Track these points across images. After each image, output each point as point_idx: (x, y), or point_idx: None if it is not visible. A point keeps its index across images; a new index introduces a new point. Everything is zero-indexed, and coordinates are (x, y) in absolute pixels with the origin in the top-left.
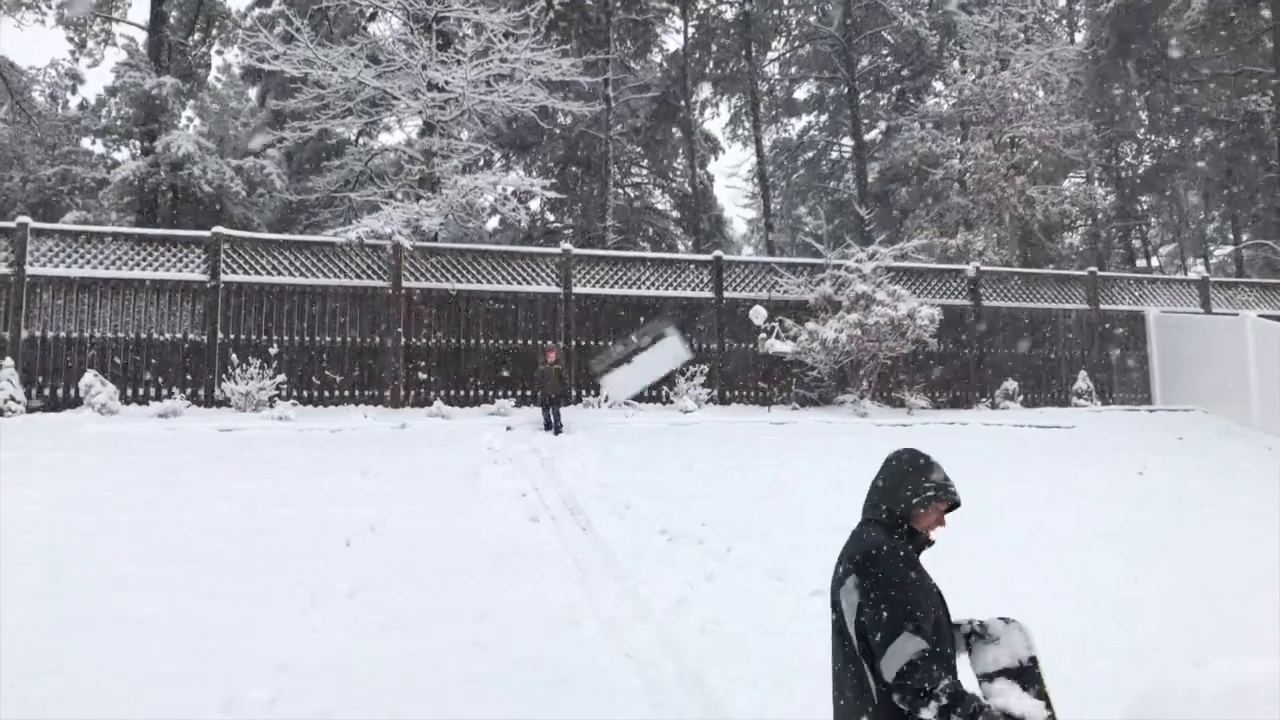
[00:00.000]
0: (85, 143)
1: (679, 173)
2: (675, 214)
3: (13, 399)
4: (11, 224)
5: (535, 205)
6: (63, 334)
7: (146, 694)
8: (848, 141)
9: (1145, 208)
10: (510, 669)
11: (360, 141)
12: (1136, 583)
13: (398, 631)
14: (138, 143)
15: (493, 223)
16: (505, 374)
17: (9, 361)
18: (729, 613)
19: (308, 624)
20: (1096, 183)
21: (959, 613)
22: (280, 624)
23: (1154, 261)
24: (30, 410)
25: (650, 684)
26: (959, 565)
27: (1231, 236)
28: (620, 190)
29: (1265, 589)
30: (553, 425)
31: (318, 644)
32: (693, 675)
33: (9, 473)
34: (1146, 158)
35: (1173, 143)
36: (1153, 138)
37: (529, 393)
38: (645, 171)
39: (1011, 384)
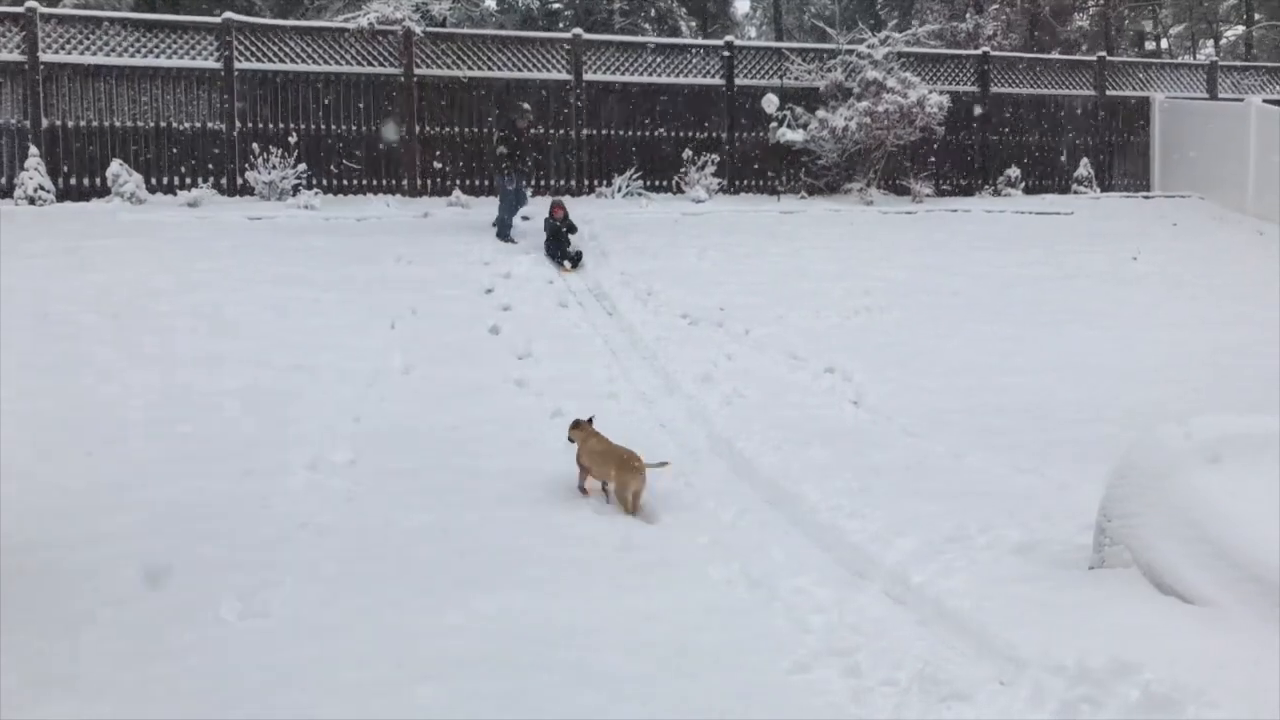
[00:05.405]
0: None
1: None
2: None
3: (42, 188)
4: (19, 8)
5: None
6: (83, 123)
7: (242, 454)
8: None
9: None
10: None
11: None
12: (1128, 355)
13: (457, 401)
14: None
15: (490, 2)
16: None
17: (34, 150)
18: (750, 387)
19: (374, 395)
20: None
21: (968, 385)
22: (349, 396)
23: (1163, 44)
24: (60, 199)
25: (686, 448)
26: (964, 340)
27: (1245, 17)
28: None
29: (1249, 359)
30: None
31: (385, 413)
32: (723, 440)
33: (64, 258)
34: None
35: None
36: None
37: (545, 181)
38: None
39: (1014, 171)
